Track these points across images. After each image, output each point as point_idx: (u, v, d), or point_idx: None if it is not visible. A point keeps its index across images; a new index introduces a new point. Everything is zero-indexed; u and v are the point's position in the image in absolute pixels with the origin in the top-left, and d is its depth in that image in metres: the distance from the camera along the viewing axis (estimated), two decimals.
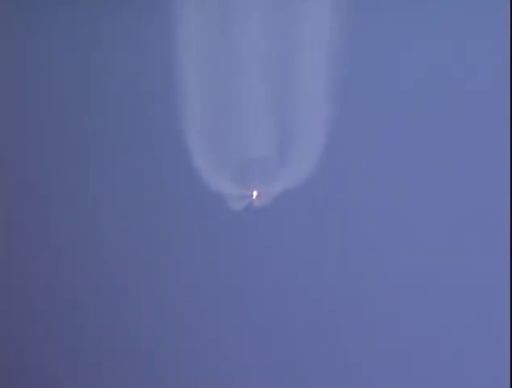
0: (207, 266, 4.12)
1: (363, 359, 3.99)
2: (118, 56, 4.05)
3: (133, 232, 4.18)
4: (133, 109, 4.06)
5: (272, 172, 3.85)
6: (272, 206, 3.94)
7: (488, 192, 3.90)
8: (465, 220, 3.92)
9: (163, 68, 3.86)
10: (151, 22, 3.84)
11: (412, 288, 3.90)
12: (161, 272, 4.16)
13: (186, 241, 4.14)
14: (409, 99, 3.81)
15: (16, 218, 4.27)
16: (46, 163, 4.21)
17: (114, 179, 4.14)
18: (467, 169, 3.92)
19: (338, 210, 3.95)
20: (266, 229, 4.08)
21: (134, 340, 4.21)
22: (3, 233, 4.25)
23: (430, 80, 3.79)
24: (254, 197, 4.01)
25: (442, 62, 3.80)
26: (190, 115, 3.76)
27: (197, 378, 4.18)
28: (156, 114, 4.03)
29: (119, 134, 4.11)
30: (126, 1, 3.95)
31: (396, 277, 3.92)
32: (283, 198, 3.91)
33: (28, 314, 4.30)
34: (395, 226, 3.93)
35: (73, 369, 4.26)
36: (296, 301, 4.05)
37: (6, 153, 4.23)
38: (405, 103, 3.83)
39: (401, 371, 3.97)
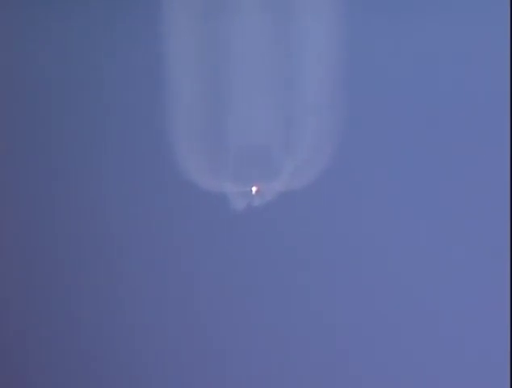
0: (205, 269, 4.01)
1: (364, 361, 3.91)
2: (109, 53, 3.98)
3: (126, 234, 4.09)
4: (121, 99, 3.95)
5: (274, 164, 3.65)
6: (274, 203, 3.79)
7: (489, 195, 3.83)
8: (466, 220, 3.84)
9: (152, 60, 3.76)
10: (141, 17, 3.77)
11: (415, 291, 3.81)
12: (158, 275, 4.07)
13: (180, 244, 4.02)
14: (419, 88, 3.70)
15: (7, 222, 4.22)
16: (34, 162, 4.13)
17: (103, 180, 4.04)
18: (468, 171, 3.84)
19: (350, 209, 3.76)
20: (267, 229, 3.94)
21: (134, 344, 4.14)
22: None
23: (435, 78, 3.71)
24: (254, 193, 3.81)
25: (446, 61, 3.73)
26: (184, 108, 3.65)
27: (198, 379, 4.12)
28: (145, 108, 3.90)
29: (108, 132, 4.01)
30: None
31: (405, 278, 3.82)
32: (287, 194, 3.74)
33: (26, 315, 4.25)
34: (408, 227, 3.79)
35: (72, 368, 4.20)
36: (298, 304, 3.95)
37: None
38: (417, 95, 3.72)
39: (401, 371, 3.90)
